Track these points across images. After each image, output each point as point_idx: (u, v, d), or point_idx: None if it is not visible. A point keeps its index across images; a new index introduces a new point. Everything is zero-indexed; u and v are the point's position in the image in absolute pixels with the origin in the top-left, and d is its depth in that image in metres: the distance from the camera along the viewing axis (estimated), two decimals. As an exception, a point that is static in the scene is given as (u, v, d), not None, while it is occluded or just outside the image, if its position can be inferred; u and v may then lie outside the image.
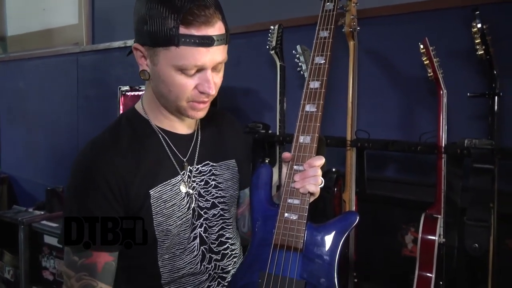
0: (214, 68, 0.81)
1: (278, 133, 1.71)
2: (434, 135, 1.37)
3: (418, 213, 1.36)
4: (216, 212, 0.94)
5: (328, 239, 0.81)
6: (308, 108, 0.85)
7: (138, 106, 0.92)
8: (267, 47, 1.71)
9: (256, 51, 1.99)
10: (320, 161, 0.83)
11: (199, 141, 0.94)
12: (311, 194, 0.83)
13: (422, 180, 1.59)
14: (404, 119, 1.67)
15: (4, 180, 3.20)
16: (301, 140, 0.84)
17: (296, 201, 0.82)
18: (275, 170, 1.60)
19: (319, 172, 0.83)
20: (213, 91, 0.81)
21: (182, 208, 0.87)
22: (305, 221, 0.81)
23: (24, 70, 3.30)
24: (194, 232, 0.89)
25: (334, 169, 1.52)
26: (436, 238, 1.29)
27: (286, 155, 0.85)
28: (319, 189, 0.84)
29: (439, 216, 1.33)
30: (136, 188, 0.83)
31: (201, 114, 0.86)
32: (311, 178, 0.82)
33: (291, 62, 1.68)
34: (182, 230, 0.87)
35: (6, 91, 3.45)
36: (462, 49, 1.48)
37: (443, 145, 1.34)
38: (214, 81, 0.81)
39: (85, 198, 0.81)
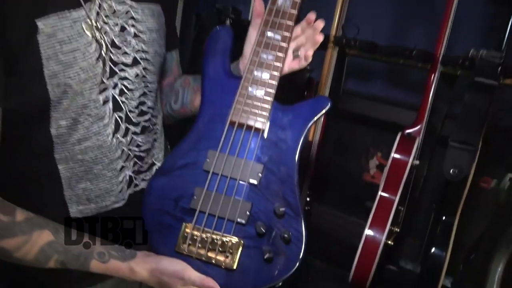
0: None
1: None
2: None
3: (390, 137, 1.20)
4: (138, 72, 0.73)
5: (294, 123, 0.71)
6: None
7: None
8: None
9: None
10: (322, 23, 0.74)
11: None
12: (304, 60, 0.75)
13: (404, 100, 1.43)
14: (400, 25, 1.44)
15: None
16: (280, 3, 0.71)
17: (265, 75, 0.70)
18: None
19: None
20: None
21: (87, 58, 0.65)
22: (272, 99, 0.70)
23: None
24: (105, 94, 0.69)
25: (309, 67, 1.29)
26: (410, 160, 1.12)
27: (259, 9, 0.73)
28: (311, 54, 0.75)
29: (417, 136, 1.16)
30: (17, 16, 0.59)
31: None
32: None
33: None
34: (86, 88, 0.66)
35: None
36: None
37: (441, 55, 1.14)
38: None
39: None
